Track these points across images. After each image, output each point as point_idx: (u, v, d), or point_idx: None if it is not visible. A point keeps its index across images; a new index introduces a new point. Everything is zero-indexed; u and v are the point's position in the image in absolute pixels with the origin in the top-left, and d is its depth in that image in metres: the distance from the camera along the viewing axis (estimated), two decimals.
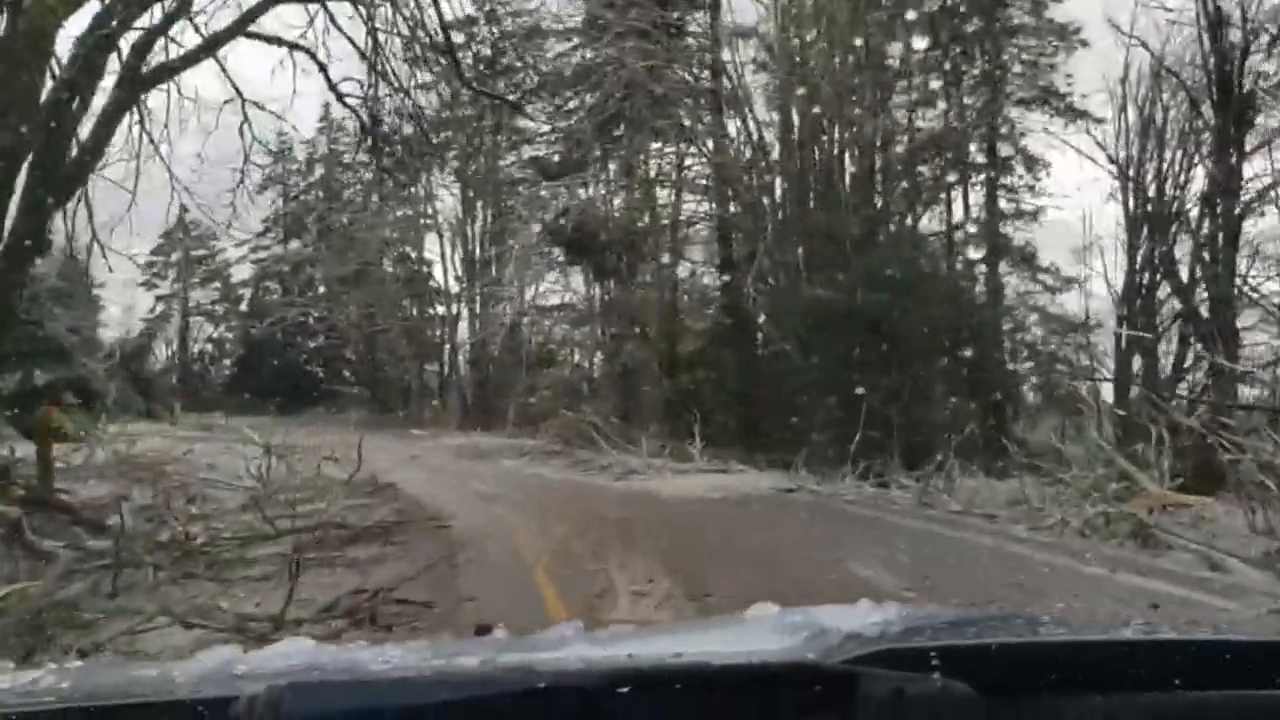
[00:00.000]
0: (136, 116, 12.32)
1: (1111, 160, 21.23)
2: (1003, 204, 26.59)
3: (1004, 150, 26.65)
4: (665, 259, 26.42)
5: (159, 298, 74.08)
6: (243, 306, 67.94)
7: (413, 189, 43.92)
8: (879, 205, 22.61)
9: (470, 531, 10.35)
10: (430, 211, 43.94)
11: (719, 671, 1.05)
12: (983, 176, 26.34)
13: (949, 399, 18.47)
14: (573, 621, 1.34)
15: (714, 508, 12.27)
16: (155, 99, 12.45)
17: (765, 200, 21.92)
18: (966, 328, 20.02)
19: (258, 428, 41.67)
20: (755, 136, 22.47)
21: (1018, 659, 1.13)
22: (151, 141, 12.80)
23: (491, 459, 19.95)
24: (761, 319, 22.24)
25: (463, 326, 41.28)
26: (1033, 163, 26.68)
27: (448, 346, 43.11)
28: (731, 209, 22.89)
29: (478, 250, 40.27)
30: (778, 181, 22.32)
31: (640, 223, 22.73)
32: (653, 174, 23.83)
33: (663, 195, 24.38)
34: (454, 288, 41.37)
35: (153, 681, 1.24)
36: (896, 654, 1.06)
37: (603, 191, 22.88)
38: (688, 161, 24.17)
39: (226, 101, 13.14)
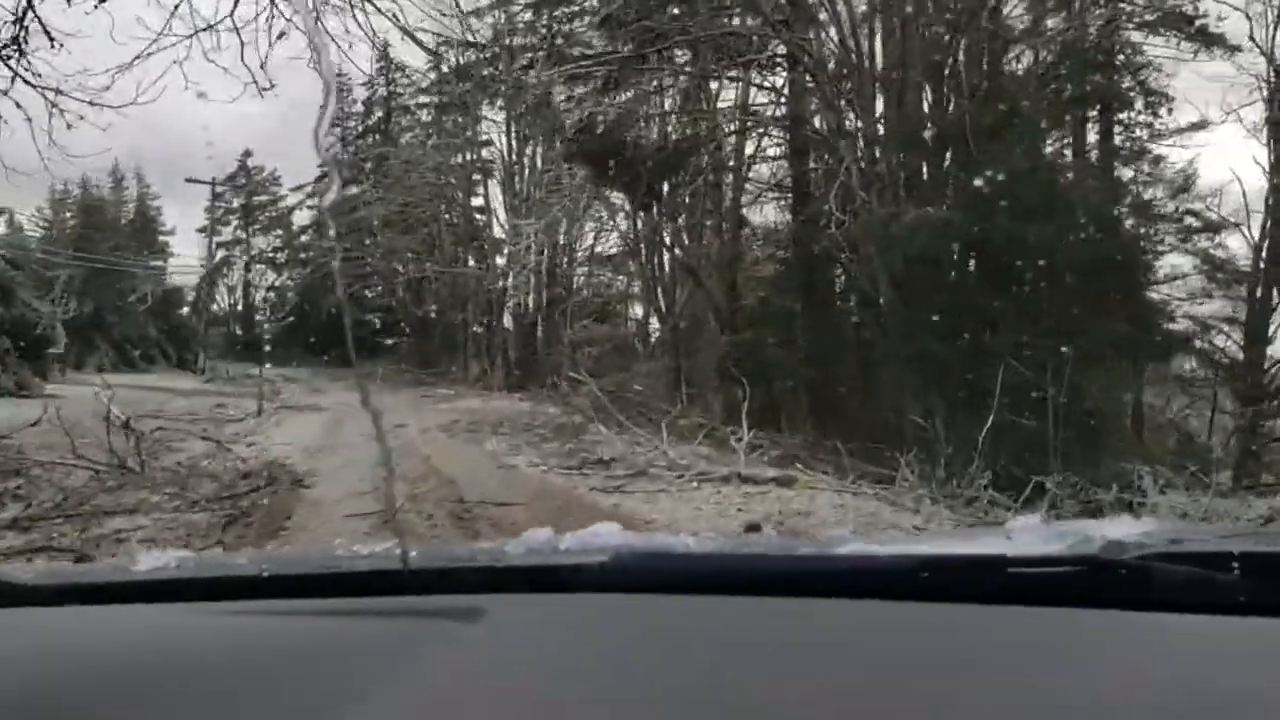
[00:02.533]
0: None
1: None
2: (1117, 141, 20.59)
3: (1123, 81, 20.58)
4: (726, 184, 20.74)
5: (219, 244, 70.89)
6: (307, 254, 63.66)
7: (469, 132, 39.13)
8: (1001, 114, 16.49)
9: None
10: (485, 157, 39.34)
11: (1013, 561, 1.09)
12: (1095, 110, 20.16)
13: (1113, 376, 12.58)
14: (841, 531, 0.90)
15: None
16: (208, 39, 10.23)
17: (852, 102, 16.04)
18: (1131, 275, 14.05)
19: (292, 380, 37.46)
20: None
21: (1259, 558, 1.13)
22: None
23: (483, 437, 14.74)
24: (845, 260, 16.47)
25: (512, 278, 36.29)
26: (1155, 97, 20.46)
27: (494, 300, 38.12)
28: (811, 114, 16.98)
29: (529, 193, 34.91)
30: (871, 82, 16.37)
31: (689, 132, 17.02)
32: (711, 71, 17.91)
33: (724, 99, 18.48)
34: (502, 235, 36.34)
35: (491, 553, 1.42)
36: (1176, 555, 1.08)
37: (644, 96, 17.13)
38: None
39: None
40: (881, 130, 15.66)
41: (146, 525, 7.39)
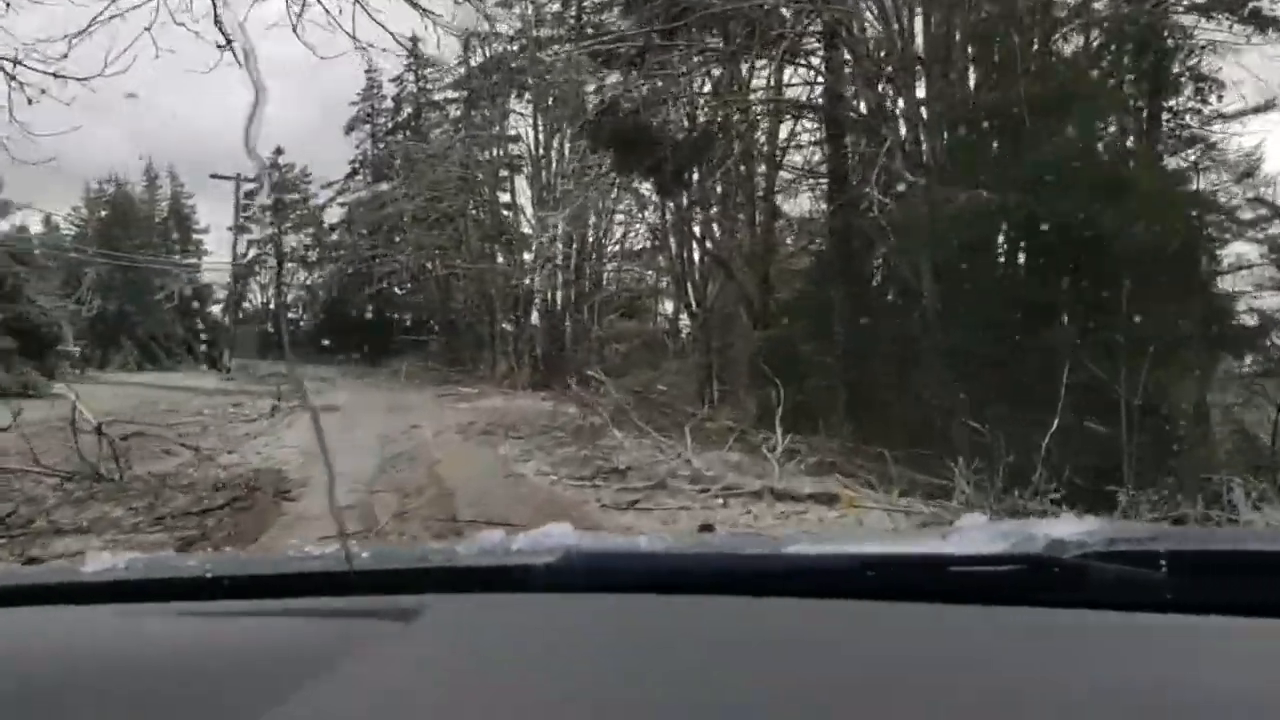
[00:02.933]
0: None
1: None
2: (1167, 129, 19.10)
3: (1172, 66, 19.02)
4: (758, 173, 19.59)
5: (251, 242, 70.62)
6: (339, 252, 63.27)
7: (495, 127, 38.31)
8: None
9: None
10: (513, 152, 38.48)
11: (955, 559, 1.13)
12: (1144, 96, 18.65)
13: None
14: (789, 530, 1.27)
15: None
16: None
17: (894, 81, 14.87)
18: (1198, 263, 12.78)
19: (320, 378, 36.80)
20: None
21: (1225, 560, 1.21)
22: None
23: (498, 440, 13.78)
24: (886, 249, 15.33)
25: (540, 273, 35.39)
26: (1206, 82, 18.93)
27: (521, 296, 37.27)
28: (849, 95, 15.81)
29: (556, 185, 33.92)
30: (913, 61, 15.20)
31: (719, 116, 15.89)
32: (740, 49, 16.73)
33: (756, 80, 17.27)
34: (529, 231, 35.43)
35: (443, 553, 1.49)
36: (1113, 554, 1.10)
37: (671, 79, 15.98)
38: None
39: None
40: (924, 112, 14.51)
41: (97, 546, 6.49)
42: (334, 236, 62.84)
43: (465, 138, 38.88)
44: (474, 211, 39.49)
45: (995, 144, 13.58)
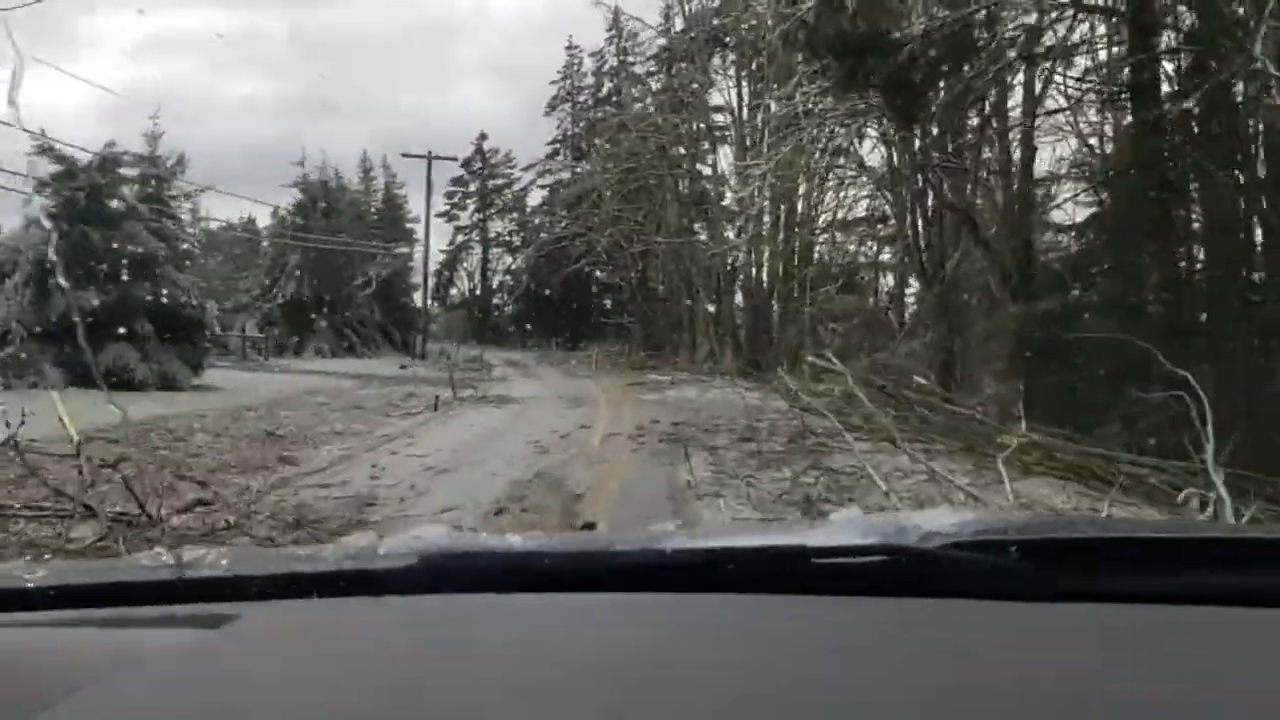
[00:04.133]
0: None
1: None
2: None
3: None
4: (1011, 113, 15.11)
5: (458, 229, 70.44)
6: (540, 235, 61.60)
7: (694, 84, 34.89)
8: None
9: None
10: (716, 121, 35.00)
11: (815, 551, 1.11)
12: None
13: None
14: (672, 522, 1.20)
15: None
16: None
17: None
18: None
19: (515, 363, 34.68)
20: None
21: (1086, 548, 1.20)
22: None
23: (682, 450, 10.18)
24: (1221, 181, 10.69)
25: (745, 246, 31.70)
26: None
27: (722, 272, 33.71)
28: None
29: (764, 144, 30.04)
30: None
31: (973, 15, 11.58)
32: None
33: None
34: (730, 204, 31.74)
35: (307, 559, 1.39)
36: (977, 544, 1.10)
37: None
38: None
39: None
40: None
41: None
42: (535, 220, 61.47)
43: (667, 99, 35.58)
44: (673, 183, 36.18)
45: None
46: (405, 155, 35.95)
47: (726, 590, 1.09)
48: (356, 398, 17.89)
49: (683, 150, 36.35)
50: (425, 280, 36.14)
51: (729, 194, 31.42)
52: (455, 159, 37.82)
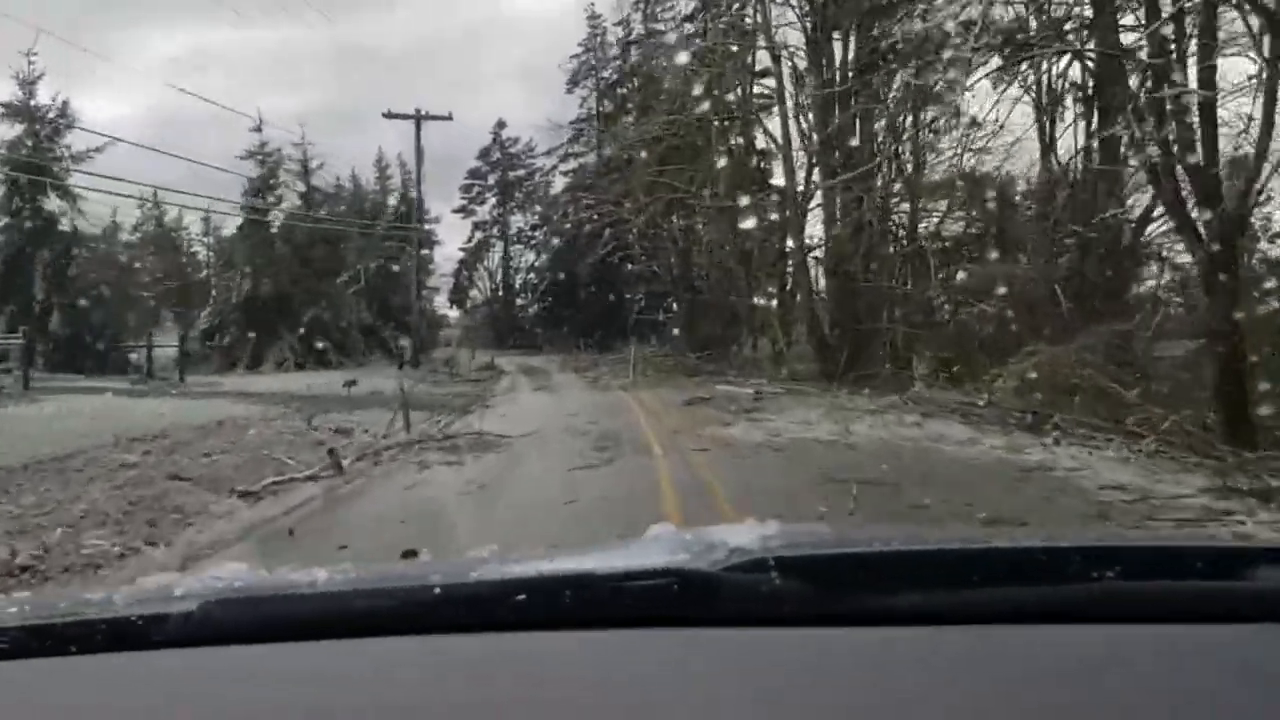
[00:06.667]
0: None
1: None
2: None
3: None
4: None
5: (476, 225, 63.00)
6: (566, 226, 53.63)
7: (746, 59, 27.09)
8: None
9: None
10: (760, 92, 27.21)
11: (600, 578, 1.08)
12: None
13: None
14: (489, 547, 1.31)
15: None
16: None
17: None
18: None
19: (531, 370, 27.21)
20: None
21: (846, 563, 1.16)
22: None
23: None
24: None
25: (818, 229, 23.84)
26: None
27: (788, 255, 25.88)
28: None
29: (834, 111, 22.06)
30: None
31: None
32: None
33: None
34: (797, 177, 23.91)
35: (97, 603, 1.23)
36: (753, 564, 1.07)
37: None
38: None
39: None
40: None
41: None
42: (559, 214, 53.70)
43: (708, 46, 27.70)
44: (725, 137, 28.27)
45: None
46: (388, 115, 28.31)
47: (514, 627, 1.02)
48: (207, 447, 10.22)
49: (724, 122, 28.58)
50: (415, 273, 28.28)
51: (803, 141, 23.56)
52: (448, 117, 29.87)
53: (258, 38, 73.63)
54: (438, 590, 1.09)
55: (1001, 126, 18.00)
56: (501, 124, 61.21)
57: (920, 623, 0.99)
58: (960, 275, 16.46)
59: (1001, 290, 15.73)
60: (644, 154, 26.25)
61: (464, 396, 18.22)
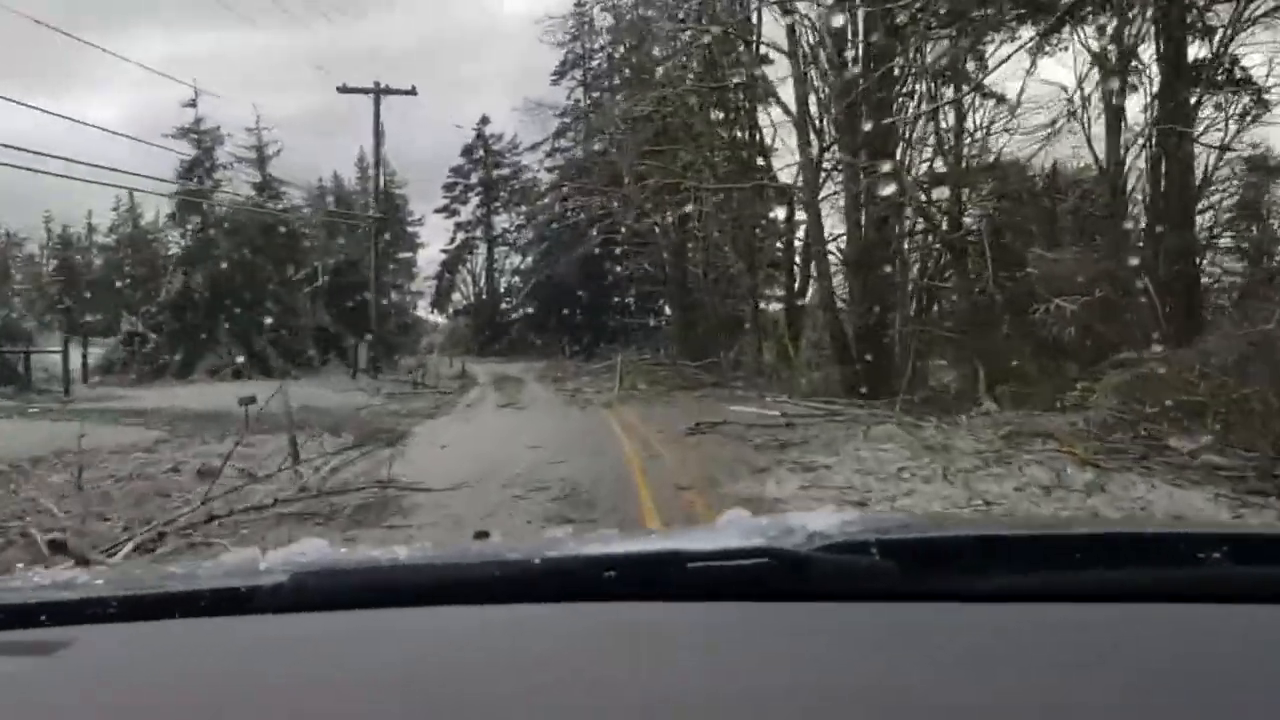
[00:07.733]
0: None
1: None
2: None
3: None
4: None
5: (459, 225, 59.46)
6: (551, 226, 50.00)
7: (740, 49, 23.61)
8: None
9: None
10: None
11: (689, 556, 1.08)
12: None
13: None
14: (564, 528, 1.24)
15: None
16: None
17: None
18: None
19: (507, 380, 23.71)
20: None
21: (937, 546, 1.17)
22: None
23: None
24: None
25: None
26: None
27: (795, 252, 22.45)
28: None
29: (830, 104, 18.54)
30: None
31: None
32: None
33: None
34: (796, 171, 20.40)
35: (182, 577, 1.25)
36: (844, 545, 1.07)
37: None
38: None
39: None
40: None
41: None
42: (543, 215, 50.08)
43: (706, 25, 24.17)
44: (716, 161, 24.84)
45: None
46: (343, 90, 24.76)
47: (605, 599, 1.03)
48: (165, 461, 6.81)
49: (722, 115, 25.11)
50: (374, 269, 24.57)
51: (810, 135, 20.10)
52: (413, 91, 26.36)
53: (256, 39, 70.83)
54: (534, 561, 1.09)
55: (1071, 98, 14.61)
56: (485, 119, 57.75)
57: (1010, 600, 0.98)
58: (1028, 269, 12.96)
59: (1080, 281, 12.36)
60: (633, 135, 22.79)
61: (413, 416, 14.68)
